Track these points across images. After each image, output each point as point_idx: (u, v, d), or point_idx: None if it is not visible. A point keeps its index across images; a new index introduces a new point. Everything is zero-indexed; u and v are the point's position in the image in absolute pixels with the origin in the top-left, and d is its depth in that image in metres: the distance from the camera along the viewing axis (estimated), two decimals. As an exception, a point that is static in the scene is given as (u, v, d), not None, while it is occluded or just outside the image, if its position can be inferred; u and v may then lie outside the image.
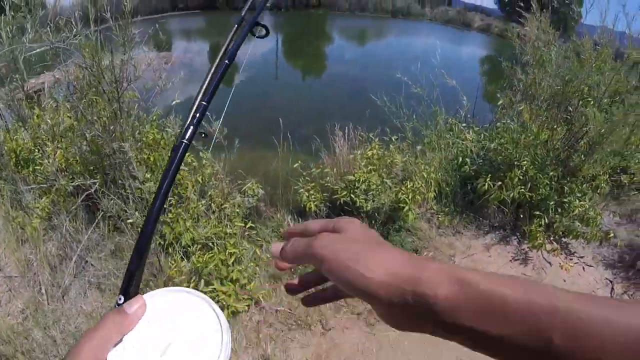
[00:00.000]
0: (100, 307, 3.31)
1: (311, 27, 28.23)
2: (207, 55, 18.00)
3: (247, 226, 3.78)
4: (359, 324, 3.44)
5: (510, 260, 4.16)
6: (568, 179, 4.09)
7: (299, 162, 4.27)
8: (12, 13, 3.51)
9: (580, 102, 3.97)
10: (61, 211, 3.59)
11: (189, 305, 0.58)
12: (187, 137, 0.79)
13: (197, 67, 14.81)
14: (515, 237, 4.44)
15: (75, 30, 3.28)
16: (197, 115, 0.82)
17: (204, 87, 0.89)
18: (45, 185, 3.60)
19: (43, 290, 3.33)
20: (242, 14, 1.11)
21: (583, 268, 4.16)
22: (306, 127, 4.90)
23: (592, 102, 3.89)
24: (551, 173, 4.05)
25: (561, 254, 4.20)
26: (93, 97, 3.47)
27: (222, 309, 3.26)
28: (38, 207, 3.52)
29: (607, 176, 4.26)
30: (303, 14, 30.94)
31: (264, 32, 1.14)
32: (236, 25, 1.08)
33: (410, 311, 0.42)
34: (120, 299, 0.60)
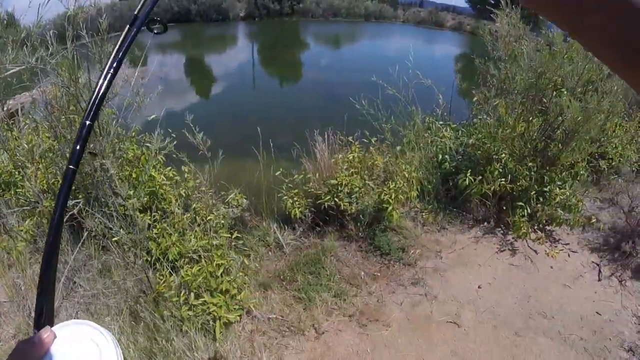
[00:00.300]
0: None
1: (285, 35, 28.36)
2: (184, 67, 18.01)
3: (234, 237, 3.77)
4: (352, 325, 3.46)
5: (497, 252, 4.22)
6: (547, 168, 4.16)
7: (281, 169, 4.29)
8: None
9: (555, 93, 4.06)
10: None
11: (87, 338, 0.63)
12: (73, 161, 0.78)
13: (173, 80, 14.83)
14: (500, 229, 4.51)
15: (50, 49, 3.26)
16: (82, 135, 0.81)
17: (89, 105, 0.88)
18: (27, 208, 3.57)
19: (33, 314, 3.28)
20: (135, 12, 1.04)
21: (568, 254, 4.23)
22: (286, 135, 4.92)
23: (565, 92, 3.98)
24: (530, 164, 4.13)
25: (546, 241, 4.27)
26: (71, 116, 3.46)
27: (214, 320, 3.27)
28: (22, 230, 3.49)
29: (586, 163, 4.36)
30: (277, 22, 31.07)
31: (161, 27, 1.13)
32: (128, 26, 1.03)
33: None
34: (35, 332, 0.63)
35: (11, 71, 3.07)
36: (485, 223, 4.55)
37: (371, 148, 4.46)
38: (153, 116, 3.87)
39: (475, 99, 4.73)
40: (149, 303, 3.30)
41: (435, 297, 3.71)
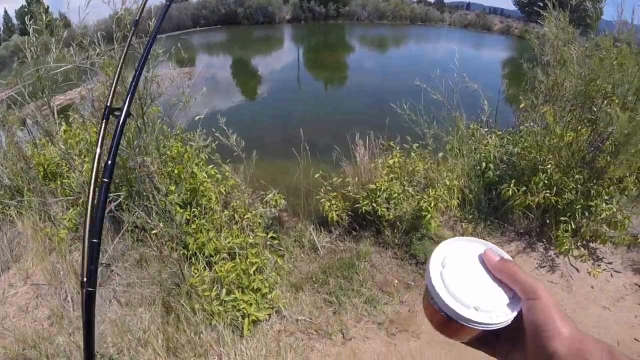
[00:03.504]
0: (124, 314, 3.37)
1: (331, 38, 28.41)
2: (230, 69, 18.34)
3: (269, 236, 3.79)
4: (380, 334, 3.39)
5: (537, 268, 4.04)
6: (594, 181, 3.95)
7: (320, 172, 4.28)
8: (36, 35, 3.67)
9: (605, 102, 3.85)
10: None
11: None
12: (91, 283, 0.81)
13: (220, 81, 15.13)
14: (542, 244, 4.31)
15: (98, 49, 3.40)
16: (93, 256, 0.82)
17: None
18: (72, 198, 3.73)
19: (69, 298, 3.43)
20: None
21: (611, 274, 4.00)
22: (328, 137, 4.91)
23: (616, 101, 3.77)
24: (577, 176, 3.93)
25: (589, 259, 4.04)
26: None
27: (244, 317, 3.30)
28: (65, 219, 3.64)
29: (635, 177, 4.10)
30: (322, 25, 31.16)
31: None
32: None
33: None
34: None
35: (59, 69, 3.23)
36: (527, 236, 4.35)
37: (412, 153, 4.37)
38: (199, 116, 3.97)
39: (522, 105, 4.55)
40: (181, 295, 3.36)
41: (469, 313, 3.59)
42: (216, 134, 3.90)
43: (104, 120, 1.05)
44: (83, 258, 0.83)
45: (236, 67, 18.99)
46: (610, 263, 4.15)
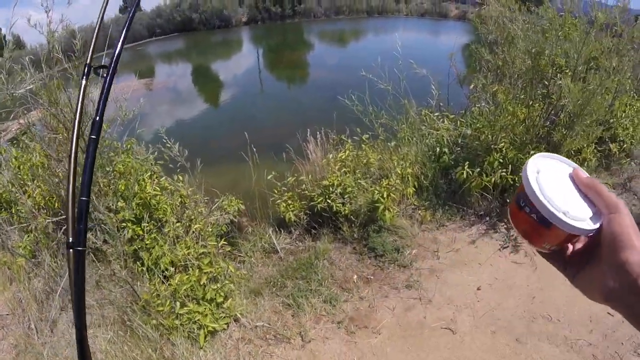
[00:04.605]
0: (89, 335, 3.39)
1: (290, 37, 28.40)
2: (190, 77, 18.43)
3: (220, 244, 3.77)
4: (340, 333, 3.36)
5: (499, 249, 3.94)
6: None
7: (273, 172, 4.24)
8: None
9: (558, 75, 3.70)
10: (43, 248, 3.74)
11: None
12: (80, 242, 0.78)
13: (180, 89, 15.49)
14: (503, 224, 4.20)
15: (28, 74, 3.40)
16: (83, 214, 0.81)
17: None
18: (25, 225, 3.76)
19: (32, 326, 3.47)
20: (87, 62, 1.12)
21: None
22: (283, 137, 4.85)
23: (568, 72, 3.62)
24: (532, 152, 3.80)
25: None
26: (59, 136, 3.60)
27: (199, 329, 3.30)
28: (20, 247, 3.68)
29: (594, 147, 3.95)
30: (280, 25, 31.14)
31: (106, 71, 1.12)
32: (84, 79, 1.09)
33: (636, 274, 0.53)
34: None
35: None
36: (487, 218, 4.25)
37: (363, 145, 4.30)
38: (140, 130, 3.96)
39: (472, 86, 4.42)
40: (136, 313, 3.38)
41: (429, 301, 3.52)
42: (168, 145, 3.90)
43: (85, 77, 1.03)
44: (68, 218, 0.81)
45: (196, 75, 19.07)
46: (577, 236, 3.97)
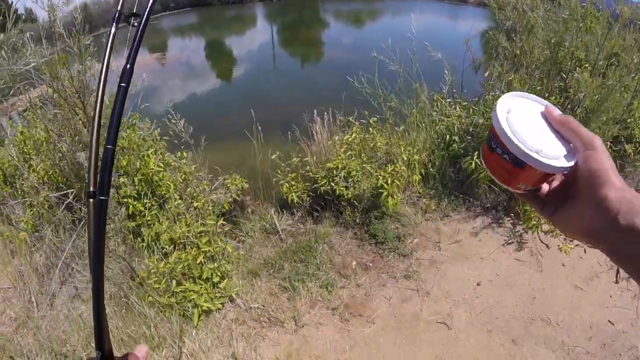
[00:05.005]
0: (86, 312, 3.44)
1: (305, 15, 27.76)
2: (204, 52, 18.23)
3: (219, 223, 3.74)
4: (334, 319, 3.34)
5: (503, 245, 3.83)
6: None
7: (277, 152, 4.16)
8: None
9: (577, 68, 3.49)
10: (45, 222, 3.77)
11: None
12: (104, 191, 0.74)
13: (194, 64, 15.44)
14: (509, 218, 4.07)
15: (30, 49, 3.37)
16: (107, 162, 0.76)
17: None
18: (28, 199, 3.79)
19: (33, 299, 3.54)
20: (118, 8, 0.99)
21: (584, 250, 3.73)
22: (296, 115, 4.73)
23: (587, 66, 3.41)
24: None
25: (560, 234, 3.77)
26: (61, 110, 3.59)
27: (194, 308, 3.32)
28: (22, 221, 3.72)
29: (608, 146, 3.75)
30: (296, 2, 30.45)
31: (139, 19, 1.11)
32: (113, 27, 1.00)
33: (616, 211, 0.52)
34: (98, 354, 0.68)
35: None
36: (494, 211, 4.12)
37: (371, 129, 4.18)
38: (144, 105, 3.92)
39: (487, 73, 4.21)
40: (133, 289, 3.41)
41: (427, 293, 3.46)
42: (173, 121, 3.86)
43: (114, 25, 1.01)
44: (90, 166, 0.80)
45: (210, 50, 18.78)
46: (583, 238, 3.82)
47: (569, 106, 3.59)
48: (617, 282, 3.42)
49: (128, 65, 0.82)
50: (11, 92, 3.62)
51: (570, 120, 0.60)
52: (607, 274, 3.53)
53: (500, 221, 4.06)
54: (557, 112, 0.63)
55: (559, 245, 3.66)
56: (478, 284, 3.50)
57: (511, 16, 3.77)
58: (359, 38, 18.26)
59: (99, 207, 0.72)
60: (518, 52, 3.83)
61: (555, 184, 0.66)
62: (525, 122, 0.62)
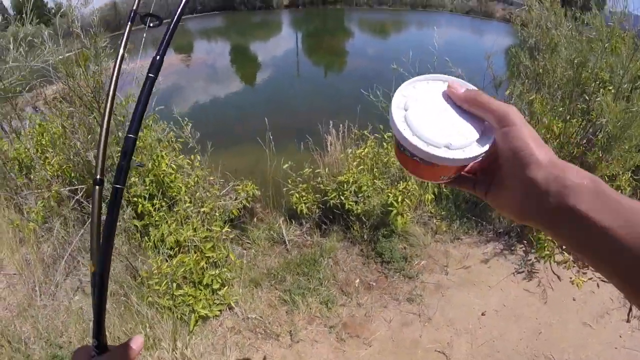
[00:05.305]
0: (86, 306, 3.49)
1: (330, 23, 27.70)
2: (229, 56, 18.38)
3: (224, 230, 3.72)
4: (330, 338, 3.25)
5: (513, 273, 3.63)
6: None
7: (289, 162, 4.11)
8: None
9: (601, 90, 3.30)
10: (54, 215, 3.85)
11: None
12: (120, 179, 0.74)
13: (218, 67, 15.57)
14: (522, 246, 3.87)
15: (47, 47, 3.45)
16: (128, 151, 0.76)
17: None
18: (39, 191, 3.88)
19: (37, 288, 3.61)
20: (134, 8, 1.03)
21: (597, 285, 3.51)
22: (314, 124, 4.67)
23: (610, 89, 3.22)
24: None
25: (573, 266, 3.57)
26: (75, 108, 3.66)
27: (191, 313, 3.31)
28: (33, 212, 3.80)
29: (630, 175, 3.52)
30: (321, 11, 30.45)
31: (156, 21, 1.07)
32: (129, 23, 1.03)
33: (544, 191, 0.49)
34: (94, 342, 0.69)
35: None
36: (506, 237, 3.92)
37: (385, 143, 4.08)
38: (159, 107, 3.95)
39: (507, 92, 4.04)
40: (133, 288, 3.43)
41: (429, 319, 3.32)
42: (186, 125, 3.88)
43: (130, 24, 1.03)
44: (99, 153, 0.84)
45: (235, 53, 18.90)
46: (597, 272, 3.58)
47: (590, 130, 3.40)
48: (628, 320, 3.20)
49: (158, 57, 0.80)
50: (27, 88, 3.72)
51: (477, 95, 0.56)
52: (619, 311, 3.30)
53: (512, 248, 3.86)
54: (461, 89, 0.58)
55: (571, 278, 3.45)
56: (483, 314, 3.33)
57: (534, 33, 3.61)
58: (382, 49, 18.15)
59: (115, 194, 0.71)
60: (540, 70, 3.65)
61: (483, 163, 0.60)
62: (428, 114, 0.57)
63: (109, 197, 0.71)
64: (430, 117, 0.56)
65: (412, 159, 0.56)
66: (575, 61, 3.24)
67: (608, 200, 0.46)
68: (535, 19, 3.56)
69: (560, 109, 3.55)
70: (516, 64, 3.96)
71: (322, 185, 4.10)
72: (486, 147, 0.54)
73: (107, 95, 0.84)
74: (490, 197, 0.59)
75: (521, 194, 0.52)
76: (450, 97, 0.59)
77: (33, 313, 3.41)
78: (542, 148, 0.51)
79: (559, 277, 3.57)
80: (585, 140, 3.44)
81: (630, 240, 0.43)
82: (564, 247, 3.61)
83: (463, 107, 0.57)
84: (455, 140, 0.54)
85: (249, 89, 12.62)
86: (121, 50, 0.95)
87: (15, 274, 3.78)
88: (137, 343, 0.71)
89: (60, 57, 3.40)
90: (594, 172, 3.28)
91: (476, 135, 0.55)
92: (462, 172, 0.62)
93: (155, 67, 0.79)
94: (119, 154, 0.74)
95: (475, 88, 0.58)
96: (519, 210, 0.54)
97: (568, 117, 3.48)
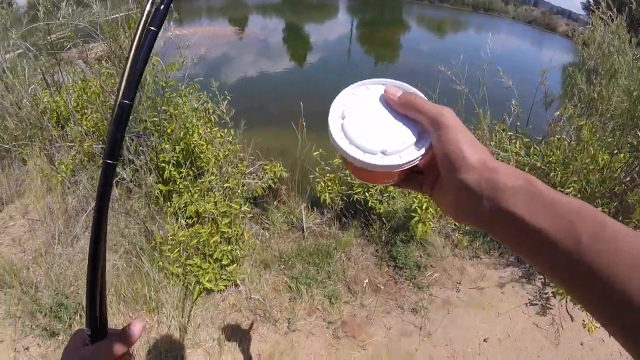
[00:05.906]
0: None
1: (387, 15, 26.70)
2: (282, 33, 18.24)
3: (242, 208, 3.72)
4: (326, 334, 3.22)
5: (526, 304, 3.44)
6: (620, 218, 3.16)
7: (320, 150, 4.04)
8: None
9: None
10: (83, 170, 3.97)
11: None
12: (114, 154, 0.66)
13: (270, 44, 15.56)
14: (540, 277, 3.65)
15: (95, 8, 3.50)
16: (122, 120, 0.68)
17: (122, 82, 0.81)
18: (71, 145, 4.00)
19: (56, 236, 3.75)
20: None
21: (609, 335, 3.22)
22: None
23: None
24: (601, 208, 3.20)
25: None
26: (116, 70, 3.72)
27: (196, 284, 3.36)
28: (63, 164, 3.93)
29: None
30: (379, 1, 29.29)
31: None
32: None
33: (478, 195, 0.50)
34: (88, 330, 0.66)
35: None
36: (527, 265, 3.71)
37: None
38: (198, 79, 3.95)
39: (557, 113, 3.77)
40: (145, 252, 3.50)
41: (429, 334, 3.22)
42: (228, 98, 3.87)
43: None
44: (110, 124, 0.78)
45: (288, 32, 18.74)
46: (614, 320, 3.34)
47: (636, 168, 3.13)
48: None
49: (162, 7, 0.73)
50: (69, 46, 3.80)
51: (412, 99, 0.57)
52: (625, 367, 3.07)
53: (531, 277, 3.64)
54: (396, 93, 0.58)
55: (584, 321, 3.20)
56: (485, 340, 3.19)
57: (594, 55, 3.33)
58: (436, 48, 17.67)
59: (105, 173, 0.63)
60: (595, 96, 3.39)
61: (426, 160, 0.59)
62: (364, 121, 0.58)
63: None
64: (367, 124, 0.57)
65: (354, 166, 0.58)
66: (635, 93, 2.97)
67: (543, 201, 0.46)
68: (597, 40, 3.28)
69: (609, 139, 3.29)
70: (571, 84, 3.69)
71: (349, 178, 4.03)
72: (422, 151, 0.55)
73: (128, 55, 0.75)
74: (435, 195, 0.60)
75: (456, 197, 0.53)
76: (387, 102, 0.59)
77: (48, 260, 3.54)
78: (475, 150, 0.51)
79: (572, 317, 3.35)
80: (629, 179, 3.18)
81: (561, 238, 0.43)
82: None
83: (399, 111, 0.58)
84: (391, 145, 0.55)
85: (297, 70, 12.60)
86: (148, 6, 0.88)
87: (38, 220, 3.93)
88: (136, 329, 0.70)
89: (106, 18, 3.45)
90: (632, 214, 3.05)
91: (413, 139, 0.56)
92: (409, 173, 0.61)
93: (159, 18, 0.69)
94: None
95: (416, 91, 0.59)
96: (454, 211, 0.55)
97: (616, 151, 3.22)
